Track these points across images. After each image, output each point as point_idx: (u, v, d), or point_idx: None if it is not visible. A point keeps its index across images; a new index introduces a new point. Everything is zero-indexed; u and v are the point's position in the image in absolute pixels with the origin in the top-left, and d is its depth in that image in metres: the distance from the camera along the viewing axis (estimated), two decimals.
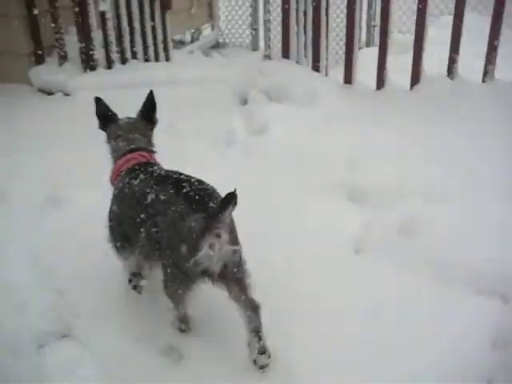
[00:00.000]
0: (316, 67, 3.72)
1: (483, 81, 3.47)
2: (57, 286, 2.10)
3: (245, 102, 3.55)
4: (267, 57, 7.38)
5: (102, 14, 4.31)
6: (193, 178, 1.86)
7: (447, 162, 2.56)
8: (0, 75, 4.49)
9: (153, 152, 2.15)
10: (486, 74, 3.47)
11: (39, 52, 4.41)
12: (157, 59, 4.97)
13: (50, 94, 4.22)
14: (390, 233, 2.15)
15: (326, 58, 3.84)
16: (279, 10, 7.41)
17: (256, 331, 1.79)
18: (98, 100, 2.19)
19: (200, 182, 1.85)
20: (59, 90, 4.20)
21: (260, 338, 1.79)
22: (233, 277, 1.77)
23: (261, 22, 7.70)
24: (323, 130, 2.89)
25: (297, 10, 3.74)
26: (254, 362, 1.79)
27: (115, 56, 4.48)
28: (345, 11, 7.19)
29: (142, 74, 4.20)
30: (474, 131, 2.79)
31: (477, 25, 5.54)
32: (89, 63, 4.28)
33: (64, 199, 2.59)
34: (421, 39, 3.52)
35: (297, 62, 3.77)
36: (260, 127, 2.94)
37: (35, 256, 2.23)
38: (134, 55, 4.70)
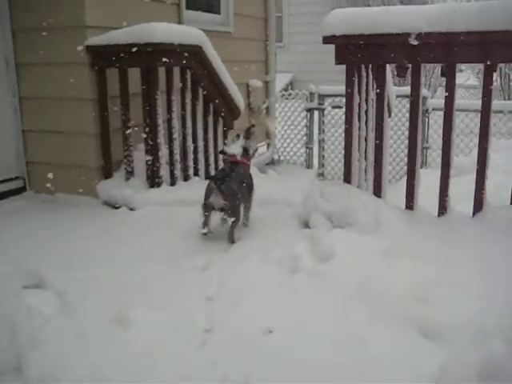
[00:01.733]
0: (377, 192, 3.76)
1: None
2: None
3: (306, 225, 3.58)
4: (321, 174, 7.60)
5: (170, 135, 4.53)
6: (228, 169, 3.67)
7: None
8: (68, 187, 4.72)
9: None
10: None
11: (108, 167, 4.63)
12: None
13: (115, 207, 4.37)
14: (468, 375, 2.06)
15: (386, 183, 3.89)
16: (333, 130, 7.74)
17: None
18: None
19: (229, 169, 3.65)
20: (125, 204, 4.33)
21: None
22: (226, 213, 3.43)
23: (315, 140, 7.97)
24: (389, 260, 2.85)
25: (358, 137, 3.85)
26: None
27: (179, 173, 4.65)
28: (398, 132, 7.46)
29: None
30: None
31: None
32: (154, 180, 4.45)
33: (131, 320, 2.58)
34: (483, 165, 3.49)
35: (357, 187, 3.82)
36: (325, 255, 2.92)
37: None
38: (197, 172, 4.88)
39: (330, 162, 7.66)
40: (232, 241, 3.49)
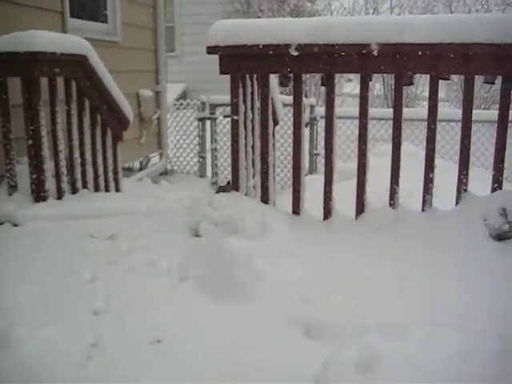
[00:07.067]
0: (264, 199, 3.85)
1: (422, 210, 3.66)
2: None
3: (196, 233, 3.60)
4: (214, 183, 7.65)
5: (55, 147, 4.39)
6: None
7: (404, 293, 2.64)
8: None
9: None
10: (424, 203, 3.67)
11: None
12: (107, 188, 5.05)
13: None
14: (348, 369, 2.17)
15: (274, 189, 4.01)
16: (225, 139, 7.83)
17: None
18: None
19: None
20: (7, 219, 4.12)
21: None
22: None
23: (208, 149, 8.04)
24: (275, 263, 2.94)
25: (245, 145, 3.93)
26: None
27: (66, 186, 4.51)
28: (288, 140, 7.68)
29: (94, 205, 4.25)
30: (424, 260, 2.93)
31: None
32: (39, 194, 4.29)
33: (13, 338, 2.47)
34: (364, 169, 3.71)
35: (246, 194, 3.89)
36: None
37: None
38: (85, 185, 4.76)
39: (223, 170, 7.75)
40: None
